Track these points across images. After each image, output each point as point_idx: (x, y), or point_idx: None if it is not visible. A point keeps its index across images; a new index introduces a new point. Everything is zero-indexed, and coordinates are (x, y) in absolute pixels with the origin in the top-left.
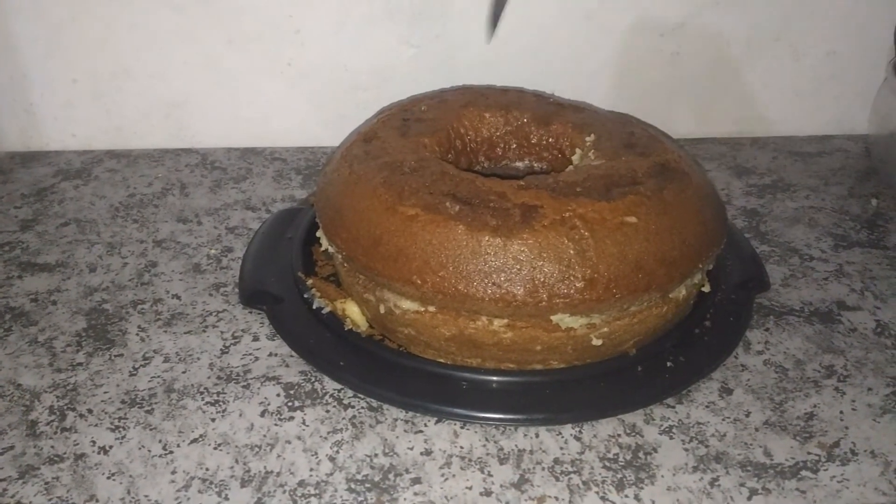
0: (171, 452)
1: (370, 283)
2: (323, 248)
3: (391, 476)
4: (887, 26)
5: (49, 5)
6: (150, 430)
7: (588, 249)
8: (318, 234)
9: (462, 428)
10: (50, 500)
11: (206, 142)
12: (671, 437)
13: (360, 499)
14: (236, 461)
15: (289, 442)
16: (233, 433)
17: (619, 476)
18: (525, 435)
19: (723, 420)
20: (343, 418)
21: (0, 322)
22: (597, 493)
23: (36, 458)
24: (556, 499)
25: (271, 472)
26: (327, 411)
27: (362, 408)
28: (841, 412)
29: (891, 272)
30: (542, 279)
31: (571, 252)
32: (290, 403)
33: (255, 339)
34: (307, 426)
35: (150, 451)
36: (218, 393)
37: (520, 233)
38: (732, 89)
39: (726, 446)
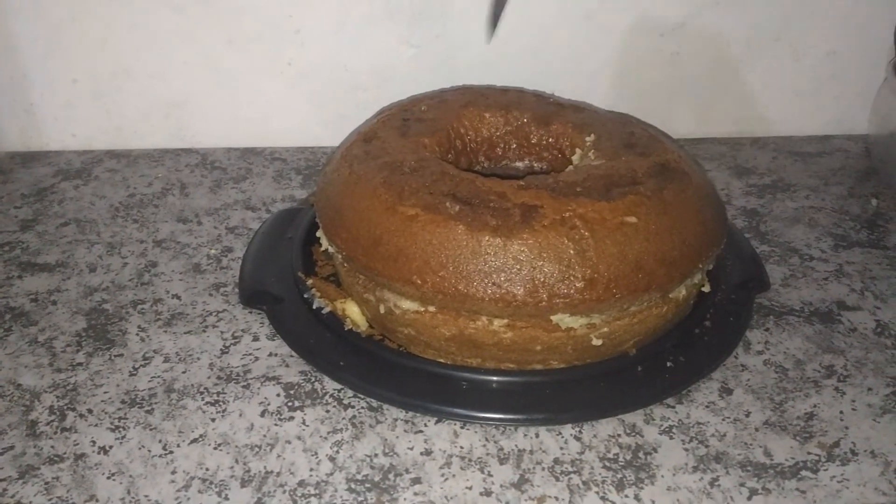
0: (171, 452)
1: (370, 283)
2: (323, 248)
3: (391, 476)
4: (887, 26)
5: (49, 5)
6: (150, 430)
7: (588, 249)
8: (318, 234)
9: (462, 428)
10: (50, 500)
11: (206, 142)
12: (671, 437)
13: (360, 499)
14: (236, 461)
15: (289, 442)
16: (233, 433)
17: (619, 476)
18: (525, 435)
19: (723, 420)
20: (343, 418)
21: (0, 322)
22: (597, 493)
23: (36, 458)
24: (556, 499)
25: (271, 472)
26: (327, 411)
27: (362, 408)
28: (841, 412)
29: (891, 272)
30: (542, 279)
31: (571, 252)
32: (290, 403)
33: (255, 339)
34: (307, 426)
35: (150, 451)
36: (218, 393)
37: (520, 233)
38: (732, 89)
39: (726, 446)
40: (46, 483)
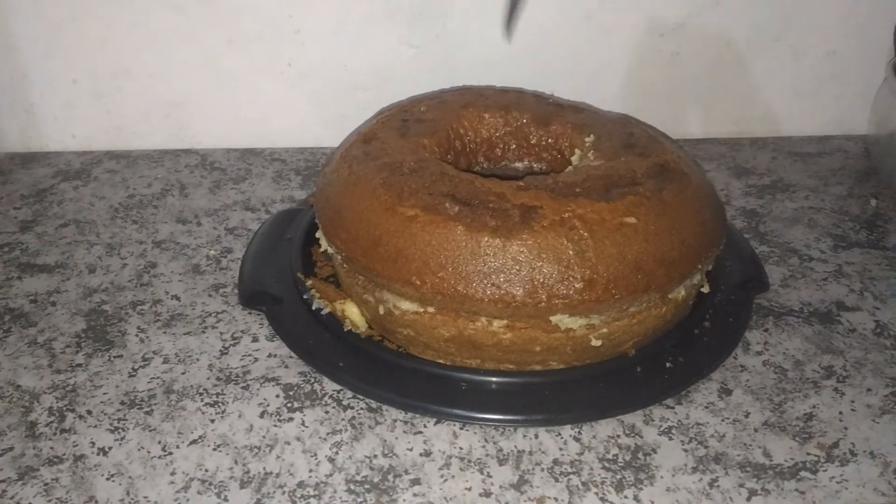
0: (171, 453)
1: (369, 283)
2: (322, 249)
3: (390, 477)
4: (887, 26)
5: (49, 5)
6: (150, 431)
7: (587, 250)
8: (318, 234)
9: (461, 429)
10: (49, 501)
11: (205, 142)
12: (670, 438)
13: (359, 500)
14: (235, 462)
15: (288, 443)
16: (232, 434)
17: (618, 477)
18: (524, 436)
19: (722, 421)
20: (342, 419)
21: (0, 323)
22: (596, 493)
23: (35, 459)
24: (556, 499)
25: (270, 473)
26: (326, 412)
27: (361, 409)
28: (840, 413)
29: (890, 273)
30: (541, 280)
31: (570, 253)
32: (289, 404)
33: (255, 339)
34: (306, 427)
35: (149, 452)
36: (217, 394)
37: (519, 233)
38: (732, 89)
39: (725, 447)
40: (46, 484)
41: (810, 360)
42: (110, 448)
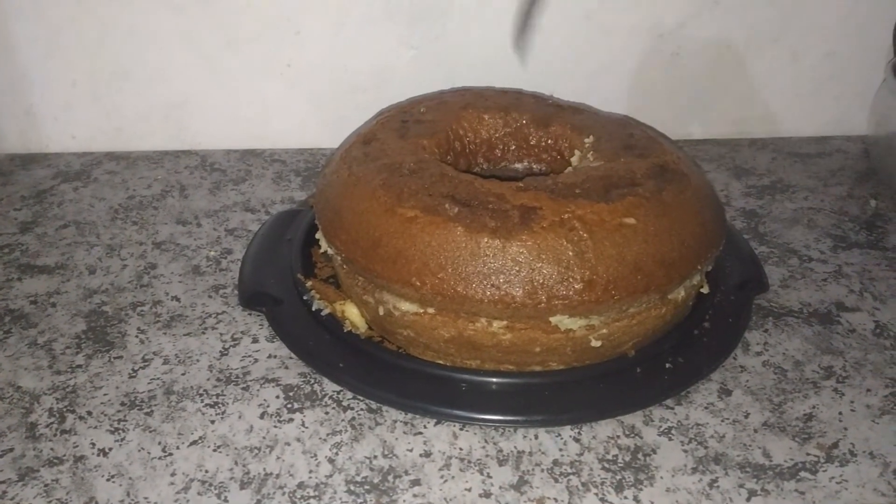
0: (171, 454)
1: (369, 284)
2: (322, 250)
3: (390, 478)
4: (886, 27)
5: (48, 6)
6: (150, 432)
7: (587, 251)
8: (318, 235)
9: (461, 429)
10: (49, 502)
11: (205, 143)
12: (670, 439)
13: (359, 500)
14: (236, 463)
15: (288, 444)
16: (232, 435)
17: (618, 477)
18: (524, 436)
19: (722, 421)
20: (342, 420)
21: (0, 324)
22: (596, 494)
23: (35, 460)
24: (556, 500)
25: (270, 473)
26: (326, 413)
27: (361, 409)
28: (840, 413)
29: (890, 273)
30: (540, 281)
31: (570, 254)
32: (289, 405)
33: (255, 340)
34: (306, 428)
35: (149, 453)
36: (217, 395)
37: (519, 234)
38: (731, 90)
39: (725, 447)
40: (46, 485)
41: (810, 361)
42: (110, 449)
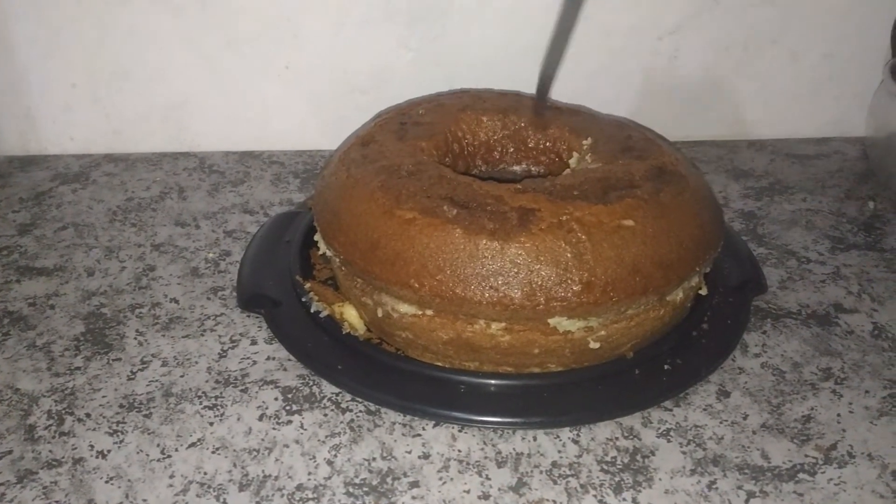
0: (170, 457)
1: (368, 286)
2: (321, 252)
3: (389, 480)
4: (884, 28)
5: (48, 8)
6: (149, 434)
7: (585, 253)
8: (316, 237)
9: (460, 431)
10: None
11: (204, 145)
12: (669, 440)
13: (357, 502)
14: (234, 465)
15: (287, 446)
16: (231, 437)
17: (616, 479)
18: (523, 438)
19: (720, 423)
20: (341, 422)
21: None
22: (595, 496)
23: (34, 462)
24: (554, 502)
25: (269, 475)
26: (325, 415)
27: (360, 411)
28: (838, 415)
29: (888, 274)
30: (539, 282)
31: (568, 255)
32: (287, 407)
33: (253, 342)
34: (305, 430)
35: (148, 455)
36: (216, 397)
37: (517, 236)
38: (730, 91)
39: (724, 449)
40: (45, 487)
41: (808, 363)
42: (109, 451)
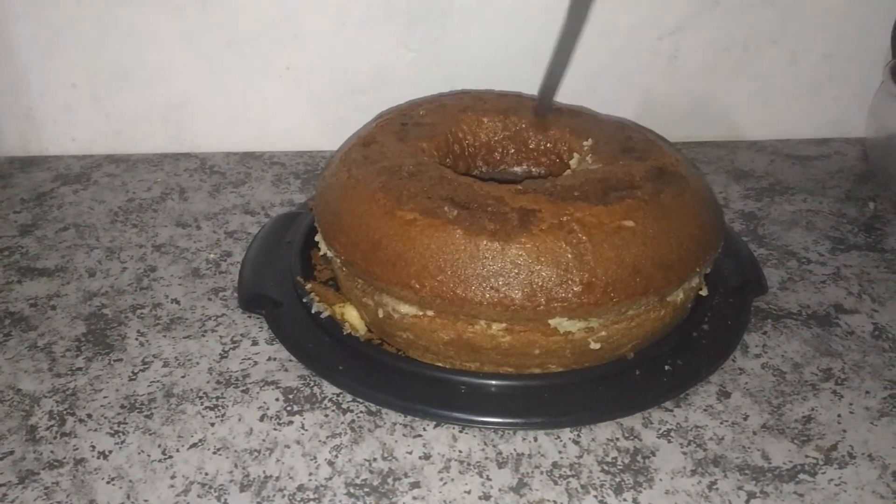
0: (171, 457)
1: (369, 287)
2: (322, 253)
3: (390, 480)
4: (884, 29)
5: (48, 8)
6: (150, 434)
7: (586, 253)
8: (317, 238)
9: (461, 432)
10: None
11: (204, 146)
12: (669, 441)
13: (358, 503)
14: (235, 466)
15: (288, 446)
16: (232, 438)
17: (617, 480)
18: (524, 439)
19: (721, 423)
20: (342, 423)
21: (0, 327)
22: (595, 496)
23: (36, 463)
24: (555, 502)
25: (270, 476)
26: (326, 416)
27: (361, 412)
28: (839, 415)
29: (888, 275)
30: (539, 283)
31: (569, 256)
32: (288, 408)
33: (255, 343)
34: (306, 430)
35: (149, 455)
36: (217, 397)
37: (518, 237)
38: (730, 92)
39: (724, 450)
40: (46, 488)
41: (809, 363)
42: (110, 452)
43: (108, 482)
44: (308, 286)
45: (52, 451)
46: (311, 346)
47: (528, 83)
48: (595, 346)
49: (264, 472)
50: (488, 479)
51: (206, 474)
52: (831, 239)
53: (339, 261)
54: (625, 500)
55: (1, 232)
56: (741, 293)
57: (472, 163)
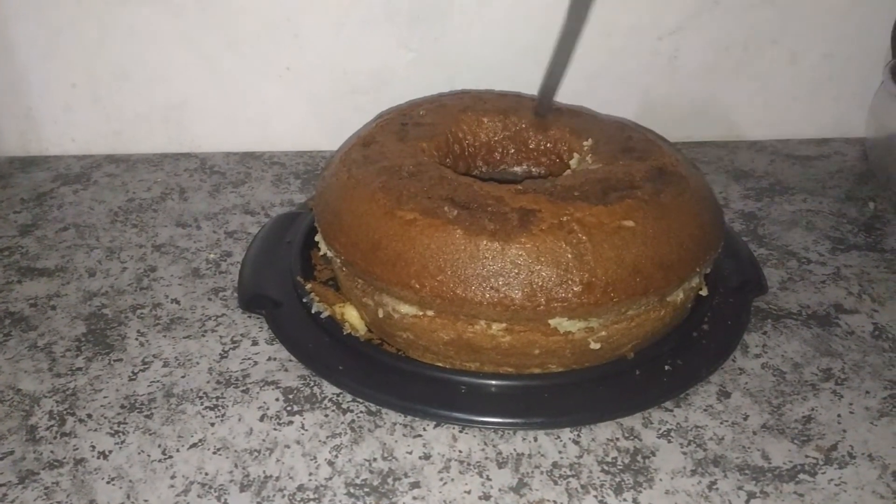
0: (171, 457)
1: (369, 287)
2: (322, 253)
3: (390, 480)
4: (884, 29)
5: (48, 8)
6: (150, 434)
7: (586, 253)
8: (317, 238)
9: (461, 432)
10: None
11: (204, 146)
12: (669, 441)
13: (358, 503)
14: (235, 466)
15: (288, 446)
16: (232, 438)
17: (617, 480)
18: (524, 439)
19: (721, 423)
20: (342, 423)
21: (0, 327)
22: (595, 496)
23: (36, 463)
24: (555, 502)
25: (270, 476)
26: (326, 416)
27: (361, 412)
28: (839, 415)
29: (888, 275)
30: (539, 283)
31: (569, 256)
32: (288, 408)
33: (254, 343)
34: (306, 430)
35: (149, 455)
36: (217, 397)
37: (518, 237)
38: (730, 92)
39: (724, 450)
40: (46, 488)
41: (809, 363)
42: (110, 452)
43: (108, 482)
44: (308, 286)
45: (52, 451)
46: (311, 346)
47: (528, 83)
48: (595, 346)
49: (264, 472)
50: (488, 479)
51: (206, 474)
52: (831, 239)
53: (339, 261)
54: (625, 500)
55: (1, 232)
56: (741, 293)
57: (472, 163)
